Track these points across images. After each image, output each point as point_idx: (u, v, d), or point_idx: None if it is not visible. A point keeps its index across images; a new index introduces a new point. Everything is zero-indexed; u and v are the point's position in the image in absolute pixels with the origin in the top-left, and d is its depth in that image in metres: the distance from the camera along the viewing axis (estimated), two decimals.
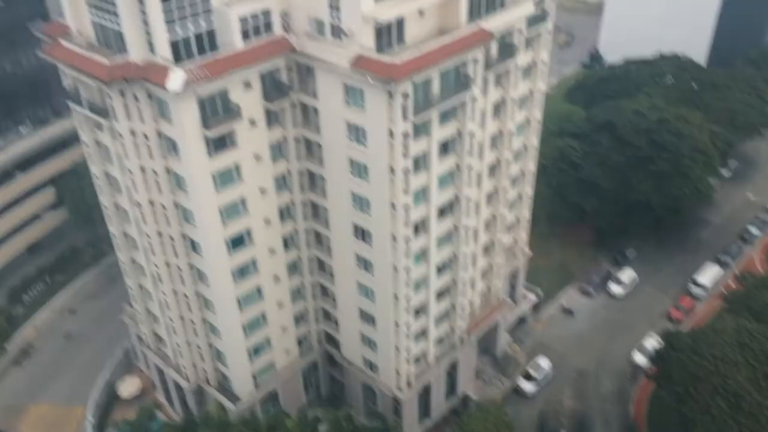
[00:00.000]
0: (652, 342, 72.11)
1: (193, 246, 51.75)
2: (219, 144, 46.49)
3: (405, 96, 43.60)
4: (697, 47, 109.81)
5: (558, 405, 69.00)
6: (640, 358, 72.32)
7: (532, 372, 70.10)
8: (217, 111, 44.69)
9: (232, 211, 49.76)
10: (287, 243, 56.06)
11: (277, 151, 51.10)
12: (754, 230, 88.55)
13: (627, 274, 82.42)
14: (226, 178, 48.05)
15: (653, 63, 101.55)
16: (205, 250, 50.78)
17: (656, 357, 61.42)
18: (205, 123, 44.39)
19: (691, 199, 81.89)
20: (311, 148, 52.24)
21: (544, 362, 71.14)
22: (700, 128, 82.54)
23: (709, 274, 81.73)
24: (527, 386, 69.43)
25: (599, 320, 78.36)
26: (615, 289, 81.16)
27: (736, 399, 52.37)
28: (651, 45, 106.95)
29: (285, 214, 54.45)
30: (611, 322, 77.75)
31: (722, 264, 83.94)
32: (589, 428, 66.47)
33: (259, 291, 55.54)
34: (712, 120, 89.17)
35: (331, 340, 64.73)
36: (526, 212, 65.91)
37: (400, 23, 44.05)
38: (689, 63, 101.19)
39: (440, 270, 57.26)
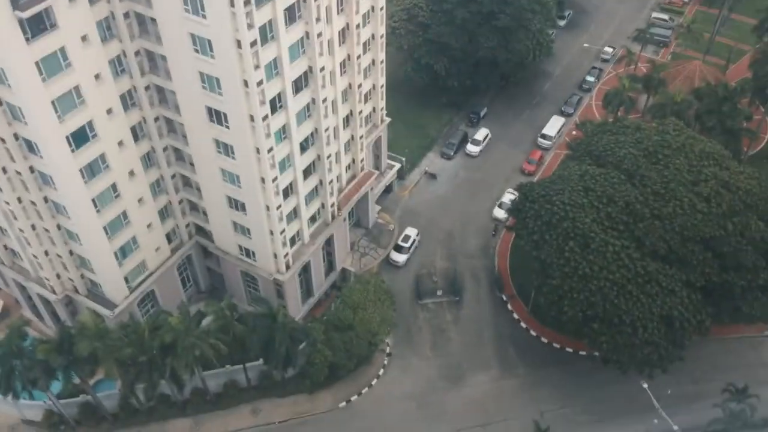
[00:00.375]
0: (509, 196, 76.68)
1: (30, 147, 47.12)
2: (36, 26, 41.33)
3: None
4: None
5: (431, 266, 72.59)
6: (499, 213, 76.93)
7: (401, 243, 72.66)
8: None
9: (66, 103, 45.39)
10: (137, 134, 52.52)
11: (106, 30, 46.49)
12: (591, 79, 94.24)
13: (481, 133, 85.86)
14: (51, 65, 43.32)
15: None
16: (44, 151, 46.41)
17: (513, 209, 65.36)
18: (14, 2, 39.06)
19: (534, 53, 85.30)
20: (145, 24, 48.00)
21: (412, 231, 73.84)
22: None
23: (553, 126, 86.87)
24: (398, 257, 72.07)
25: (460, 181, 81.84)
26: (471, 148, 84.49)
27: (585, 239, 57.11)
28: None
29: (128, 102, 50.53)
30: (471, 182, 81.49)
31: (565, 114, 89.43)
32: (460, 284, 70.83)
33: (114, 188, 52.16)
34: None
35: (203, 232, 63.00)
36: (381, 79, 65.71)
37: None
38: None
39: (303, 147, 56.48)
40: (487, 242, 75.37)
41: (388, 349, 65.46)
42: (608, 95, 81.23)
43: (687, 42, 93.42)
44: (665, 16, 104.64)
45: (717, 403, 56.18)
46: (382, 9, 60.55)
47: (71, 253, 55.26)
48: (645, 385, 60.61)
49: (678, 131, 64.49)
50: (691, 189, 58.36)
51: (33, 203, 50.77)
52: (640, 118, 78.44)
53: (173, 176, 57.71)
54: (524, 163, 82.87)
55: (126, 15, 47.09)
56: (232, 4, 42.32)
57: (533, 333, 66.90)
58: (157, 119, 53.49)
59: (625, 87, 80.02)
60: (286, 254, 59.61)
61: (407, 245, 72.73)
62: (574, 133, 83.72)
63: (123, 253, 56.09)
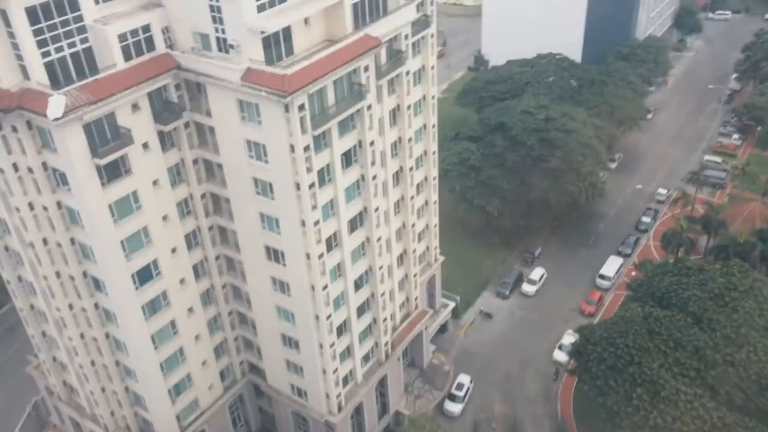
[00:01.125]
0: (569, 338, 74.43)
1: (96, 284, 49.21)
2: (112, 172, 44.60)
3: (301, 108, 43.62)
4: (572, 46, 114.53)
5: (488, 411, 69.57)
6: (560, 355, 74.32)
7: (455, 392, 70.39)
8: (105, 136, 42.91)
9: (134, 242, 47.72)
10: (198, 272, 54.34)
11: (176, 175, 49.76)
12: (646, 219, 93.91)
13: (537, 273, 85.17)
14: (124, 207, 46.10)
15: (534, 63, 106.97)
16: (110, 288, 48.30)
17: (574, 352, 63.23)
18: (94, 150, 42.46)
19: (586, 194, 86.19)
20: (212, 170, 51.29)
21: (465, 379, 71.69)
22: (584, 124, 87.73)
23: (611, 266, 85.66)
24: (453, 407, 69.49)
25: (517, 321, 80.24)
26: (527, 288, 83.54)
27: (654, 386, 54.40)
28: (530, 46, 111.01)
29: (192, 241, 52.83)
30: (528, 322, 79.78)
31: (622, 255, 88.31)
32: (521, 431, 67.21)
33: (173, 325, 53.26)
34: (593, 115, 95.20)
35: (256, 370, 62.78)
36: (434, 218, 67.22)
37: (287, 34, 44.22)
38: (567, 61, 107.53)
39: (358, 285, 57.11)
40: (548, 387, 72.20)
41: None
42: (667, 235, 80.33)
43: (743, 184, 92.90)
44: (719, 159, 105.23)
45: None
46: (434, 153, 63.27)
47: (127, 390, 55.68)
48: None
49: (744, 273, 62.44)
50: (765, 334, 55.48)
51: (94, 339, 52.14)
52: (702, 260, 76.73)
53: (230, 313, 58.72)
54: (583, 304, 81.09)
55: (195, 161, 50.50)
56: (293, 150, 45.02)
57: None
58: (217, 258, 55.44)
59: (684, 228, 79.15)
60: (339, 394, 58.44)
61: (461, 393, 70.23)
62: (633, 273, 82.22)
63: (177, 390, 56.12)
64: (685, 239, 78.60)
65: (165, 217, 49.49)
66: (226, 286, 57.25)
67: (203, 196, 52.08)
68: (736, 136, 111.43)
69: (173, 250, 51.02)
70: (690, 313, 58.90)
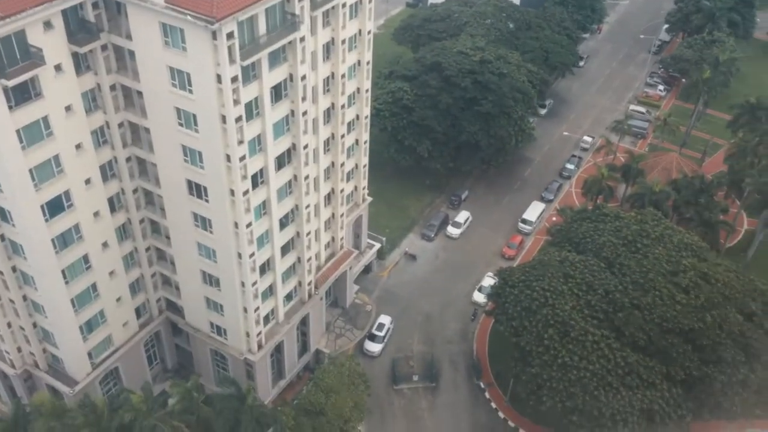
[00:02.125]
0: (488, 280, 76.14)
1: (3, 214, 45.94)
2: (21, 95, 41.09)
3: (230, 36, 41.03)
4: None
5: (407, 350, 70.91)
6: (479, 297, 76.10)
7: (375, 332, 71.10)
8: (14, 56, 39.33)
9: (44, 171, 44.60)
10: (114, 205, 51.62)
11: (92, 101, 46.35)
12: (570, 166, 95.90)
13: (462, 216, 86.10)
14: (33, 133, 42.78)
15: (473, 2, 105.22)
16: (17, 219, 45.32)
17: (493, 294, 64.76)
18: (1, 70, 38.87)
19: (515, 139, 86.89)
20: (131, 97, 48.10)
21: (386, 319, 72.40)
22: (518, 68, 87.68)
23: (534, 211, 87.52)
24: (372, 346, 70.30)
25: (440, 262, 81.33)
26: (452, 231, 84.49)
27: (565, 327, 56.50)
28: None
29: (108, 172, 49.92)
30: (451, 264, 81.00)
31: (545, 200, 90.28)
32: (438, 369, 69.07)
33: (86, 260, 50.73)
34: (528, 59, 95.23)
35: (173, 307, 61.16)
36: (363, 158, 66.05)
37: None
38: (505, 2, 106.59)
39: (283, 223, 55.88)
40: (466, 327, 74.12)
41: None
42: (587, 183, 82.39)
43: (664, 134, 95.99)
44: (642, 109, 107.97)
45: None
46: (367, 91, 61.54)
47: (35, 325, 53.14)
48: None
49: (656, 221, 65.06)
50: (670, 279, 58.31)
51: (0, 273, 49.09)
52: (619, 207, 79.32)
53: (148, 249, 56.47)
54: (504, 248, 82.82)
55: (112, 87, 47.12)
56: (219, 81, 42.58)
57: (511, 424, 64.79)
58: (135, 191, 52.78)
59: (604, 176, 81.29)
60: (259, 333, 57.87)
61: (381, 334, 71.10)
62: (554, 219, 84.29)
63: (89, 327, 54.00)
64: (604, 187, 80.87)
65: (79, 146, 46.33)
66: (144, 221, 54.78)
67: (121, 125, 48.95)
68: (661, 87, 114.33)
69: (87, 182, 48.07)
70: (603, 258, 61.16)
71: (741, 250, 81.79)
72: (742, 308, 58.26)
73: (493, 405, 66.38)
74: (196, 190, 49.58)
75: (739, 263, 70.37)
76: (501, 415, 65.50)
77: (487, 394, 67.33)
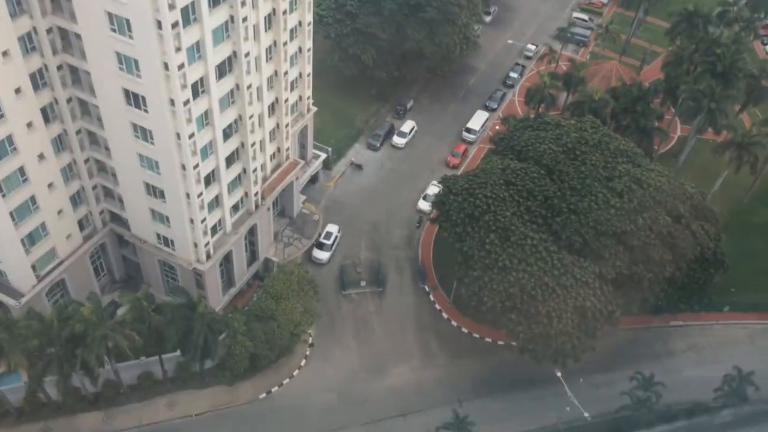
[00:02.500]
0: (433, 189, 77.55)
1: None
2: None
3: None
4: None
5: (355, 258, 72.58)
6: (424, 205, 77.67)
7: (323, 240, 72.13)
8: None
9: None
10: (47, 116, 49.91)
11: (16, 5, 43.97)
12: (513, 75, 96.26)
13: (408, 125, 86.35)
14: None
15: None
16: None
17: (437, 202, 66.21)
18: None
19: (460, 47, 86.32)
20: (58, 1, 45.74)
21: (333, 228, 73.43)
22: None
23: (478, 120, 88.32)
24: (320, 254, 71.50)
25: (386, 172, 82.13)
26: (398, 140, 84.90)
27: (506, 232, 58.56)
28: None
29: (39, 80, 47.95)
30: (397, 173, 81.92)
31: (489, 109, 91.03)
32: (384, 275, 71.18)
33: (21, 173, 49.47)
34: None
35: (118, 220, 60.59)
36: (307, 67, 64.92)
37: None
38: None
39: (227, 134, 55.10)
40: (412, 234, 75.98)
41: (310, 340, 65.12)
42: (530, 91, 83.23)
43: (605, 42, 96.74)
44: (585, 17, 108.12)
45: (625, 391, 58.77)
46: None
47: None
48: (558, 374, 62.79)
49: (595, 129, 66.79)
50: (606, 185, 60.63)
51: None
52: (560, 115, 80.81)
53: (87, 161, 55.21)
54: (449, 156, 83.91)
55: None
56: None
57: (454, 323, 68.04)
58: (70, 100, 50.97)
59: (546, 84, 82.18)
60: (207, 243, 58.18)
61: (329, 242, 72.30)
62: (497, 127, 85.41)
63: (31, 239, 53.30)
64: (546, 95, 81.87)
65: (5, 53, 44.13)
66: (81, 132, 53.27)
67: (49, 30, 46.59)
68: None
69: (17, 90, 46.16)
70: (544, 165, 62.90)
71: (673, 155, 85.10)
72: (672, 211, 61.40)
73: (437, 307, 69.36)
74: (134, 99, 48.16)
75: (671, 168, 73.37)
76: (445, 315, 68.63)
77: (431, 297, 70.10)
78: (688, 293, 67.41)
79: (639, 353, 65.87)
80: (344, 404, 61.06)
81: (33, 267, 54.54)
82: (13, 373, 53.22)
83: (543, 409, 61.58)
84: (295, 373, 62.74)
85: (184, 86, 46.75)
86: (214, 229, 58.90)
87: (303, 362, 63.55)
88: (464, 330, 67.55)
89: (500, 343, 65.42)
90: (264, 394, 60.93)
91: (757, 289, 70.88)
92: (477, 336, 67.16)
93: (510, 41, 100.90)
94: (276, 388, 61.49)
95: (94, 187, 57.27)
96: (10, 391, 55.30)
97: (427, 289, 70.68)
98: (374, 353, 64.84)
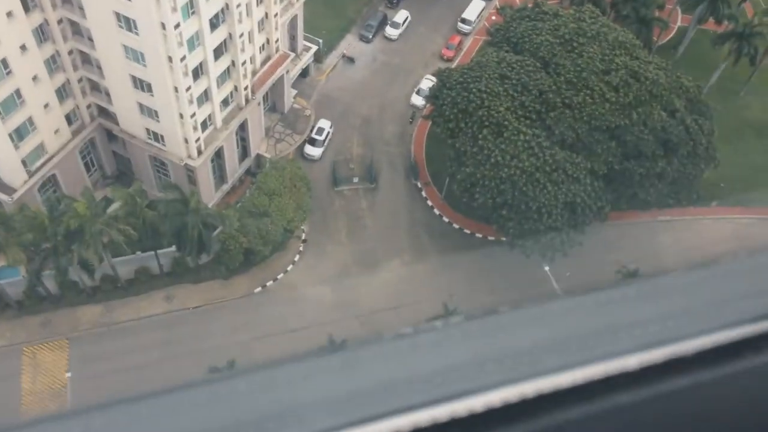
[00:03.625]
0: (427, 83, 75.95)
1: None
2: None
3: None
4: None
5: (347, 154, 72.22)
6: (417, 100, 76.36)
7: (315, 136, 71.24)
8: None
9: None
10: (27, 5, 47.96)
11: None
12: None
13: (401, 16, 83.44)
14: None
15: None
16: None
17: (430, 96, 65.02)
18: None
19: None
20: None
21: (325, 123, 72.37)
22: None
23: (474, 10, 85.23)
24: (313, 151, 70.77)
25: (379, 65, 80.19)
26: (391, 31, 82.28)
27: (499, 128, 57.88)
28: None
29: None
30: (389, 66, 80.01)
31: None
32: (376, 171, 71.09)
33: (5, 64, 48.15)
34: None
35: (106, 114, 59.68)
36: None
37: None
38: None
39: (214, 24, 53.26)
40: (405, 129, 75.26)
41: (303, 236, 65.92)
42: None
43: None
44: None
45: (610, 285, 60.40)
46: None
47: None
48: (547, 269, 64.36)
49: (594, 19, 64.76)
50: (602, 78, 59.58)
51: None
52: (559, 4, 78.14)
53: (70, 52, 53.57)
54: (443, 49, 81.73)
55: None
56: None
57: (446, 219, 68.83)
58: None
59: None
60: (198, 139, 57.60)
61: (321, 138, 71.51)
62: (494, 18, 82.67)
63: (19, 134, 52.64)
64: None
65: None
66: (62, 21, 51.34)
67: None
68: None
69: None
70: (540, 58, 61.42)
71: (672, 47, 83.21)
72: (667, 105, 60.81)
73: (429, 203, 69.88)
74: None
75: (668, 60, 71.97)
76: (436, 211, 69.26)
77: (423, 193, 70.47)
78: (677, 188, 68.03)
79: (626, 248, 67.23)
80: (337, 298, 62.75)
81: (23, 162, 54.19)
82: (12, 268, 54.24)
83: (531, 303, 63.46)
84: (289, 268, 63.98)
85: None
86: (204, 125, 58.13)
87: (296, 257, 64.66)
88: (455, 226, 68.40)
89: (491, 238, 66.58)
90: (259, 288, 62.40)
91: (746, 183, 71.62)
92: (468, 232, 68.09)
93: None
94: (270, 282, 62.88)
95: (80, 80, 55.92)
96: (10, 285, 56.37)
97: (419, 185, 70.91)
98: (366, 249, 65.91)
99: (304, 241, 65.70)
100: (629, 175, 60.07)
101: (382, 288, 63.64)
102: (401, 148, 73.68)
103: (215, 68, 55.81)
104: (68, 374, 56.16)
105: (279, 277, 63.28)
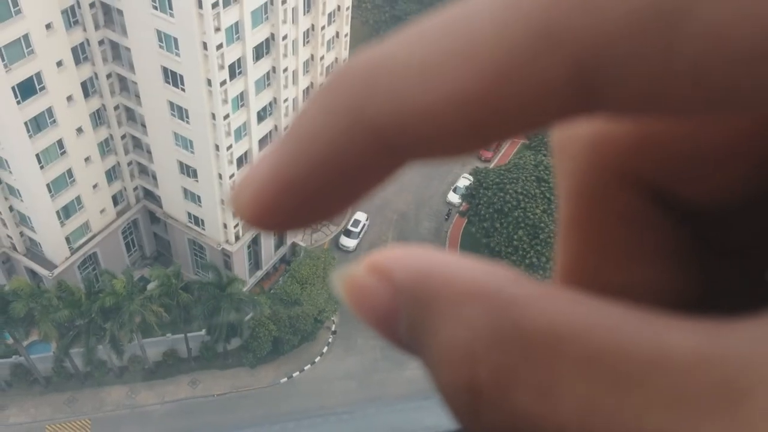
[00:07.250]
0: (464, 181, 76.96)
1: None
2: None
3: None
4: None
5: (381, 246, 71.75)
6: (454, 197, 77.17)
7: (351, 228, 72.07)
8: None
9: (13, 50, 43.43)
10: (87, 90, 50.81)
11: None
12: None
13: None
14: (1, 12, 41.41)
15: None
16: None
17: (467, 195, 65.72)
18: None
19: None
20: None
21: (361, 216, 73.28)
22: None
23: None
24: (348, 242, 71.29)
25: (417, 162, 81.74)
26: None
27: (535, 230, 57.90)
28: None
29: (80, 54, 48.83)
30: (427, 164, 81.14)
31: None
32: None
33: (60, 145, 50.39)
34: None
35: (151, 196, 61.44)
36: (344, 52, 64.86)
37: None
38: None
39: (261, 116, 55.52)
40: (440, 226, 75.60)
41: (333, 327, 65.26)
42: None
43: None
44: None
45: None
46: None
47: (11, 209, 53.21)
48: None
49: None
50: None
51: None
52: None
53: (123, 137, 55.96)
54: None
55: None
56: None
57: None
58: (109, 76, 51.71)
59: None
60: (236, 225, 58.54)
61: (357, 230, 72.17)
62: None
63: (66, 212, 54.16)
64: None
65: (49, 26, 44.97)
66: (118, 107, 54.01)
67: (92, 5, 47.52)
68: None
69: (59, 63, 46.99)
70: None
71: None
72: None
73: None
74: (172, 78, 48.73)
75: None
76: None
77: None
78: None
79: None
80: (363, 392, 61.19)
81: (67, 239, 55.47)
82: (43, 343, 54.60)
83: None
84: (317, 359, 62.98)
85: (221, 67, 47.15)
86: None
87: (325, 349, 63.74)
88: None
89: None
90: (285, 379, 61.29)
91: None
92: None
93: None
94: (297, 373, 61.80)
95: (129, 163, 58.03)
96: (40, 360, 56.43)
97: None
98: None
99: (334, 332, 64.94)
100: None
101: (409, 385, 61.94)
102: (436, 244, 73.63)
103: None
104: None
105: (306, 368, 62.21)
